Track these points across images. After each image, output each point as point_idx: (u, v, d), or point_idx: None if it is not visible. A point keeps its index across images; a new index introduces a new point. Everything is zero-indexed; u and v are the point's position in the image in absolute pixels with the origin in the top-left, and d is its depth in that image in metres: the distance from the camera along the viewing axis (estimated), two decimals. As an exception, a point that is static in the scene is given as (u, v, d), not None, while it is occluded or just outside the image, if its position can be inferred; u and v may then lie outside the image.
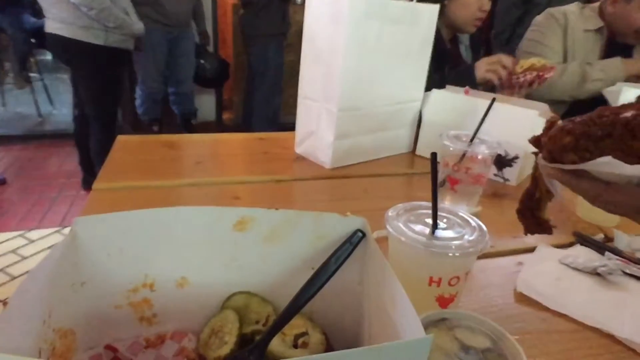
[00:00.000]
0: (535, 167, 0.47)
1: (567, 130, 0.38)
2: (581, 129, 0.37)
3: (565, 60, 1.48)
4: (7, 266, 1.93)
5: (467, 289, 0.58)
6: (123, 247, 0.37)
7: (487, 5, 1.28)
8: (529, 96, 1.47)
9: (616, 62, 1.39)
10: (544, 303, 0.56)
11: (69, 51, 2.08)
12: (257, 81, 3.05)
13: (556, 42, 1.47)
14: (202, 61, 3.14)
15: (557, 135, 0.39)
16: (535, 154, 0.45)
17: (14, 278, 1.86)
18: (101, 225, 0.35)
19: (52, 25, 2.02)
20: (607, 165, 0.34)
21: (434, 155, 0.45)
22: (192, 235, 0.38)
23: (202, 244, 0.39)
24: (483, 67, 1.21)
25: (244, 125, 3.30)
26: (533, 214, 0.49)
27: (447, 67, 1.35)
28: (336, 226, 0.39)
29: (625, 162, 0.34)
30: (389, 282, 0.33)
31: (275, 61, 3.00)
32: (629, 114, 0.35)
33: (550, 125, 0.43)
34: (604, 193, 0.37)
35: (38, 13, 3.50)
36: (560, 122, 0.42)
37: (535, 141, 0.45)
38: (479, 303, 0.56)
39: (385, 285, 0.34)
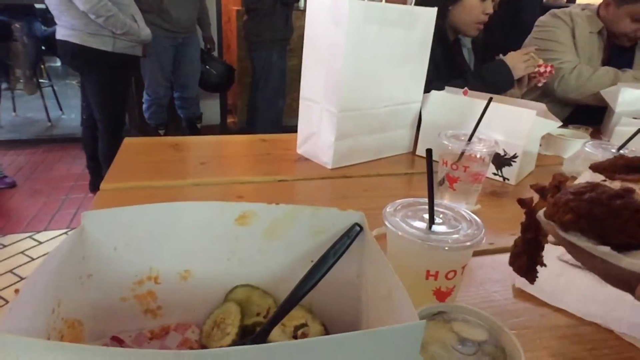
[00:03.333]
0: (533, 215, 0.46)
1: (571, 207, 0.37)
2: (586, 208, 0.36)
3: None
4: (17, 267, 1.97)
5: (465, 284, 0.59)
6: (129, 241, 0.38)
7: (490, 9, 1.29)
8: (549, 93, 1.47)
9: None
10: (543, 299, 0.57)
11: (78, 57, 2.13)
12: (260, 85, 3.09)
13: (568, 40, 1.46)
14: (207, 66, 3.17)
15: (560, 208, 0.38)
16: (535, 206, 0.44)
17: (22, 279, 1.89)
18: (108, 219, 0.37)
19: (63, 32, 2.07)
20: (606, 255, 0.34)
21: (429, 151, 0.47)
22: (196, 230, 0.40)
23: (205, 238, 0.40)
24: (521, 62, 1.23)
25: (248, 128, 3.33)
26: (530, 257, 0.48)
27: (457, 68, 1.37)
28: (334, 220, 0.40)
29: (628, 245, 0.34)
30: (385, 274, 0.34)
31: (279, 66, 3.04)
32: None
33: (557, 183, 0.42)
34: (596, 267, 0.37)
35: (48, 21, 3.57)
36: (568, 184, 0.41)
37: (539, 190, 0.45)
38: (477, 298, 0.57)
39: (382, 277, 0.35)
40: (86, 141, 2.53)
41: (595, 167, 0.44)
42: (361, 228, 0.40)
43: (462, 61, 1.45)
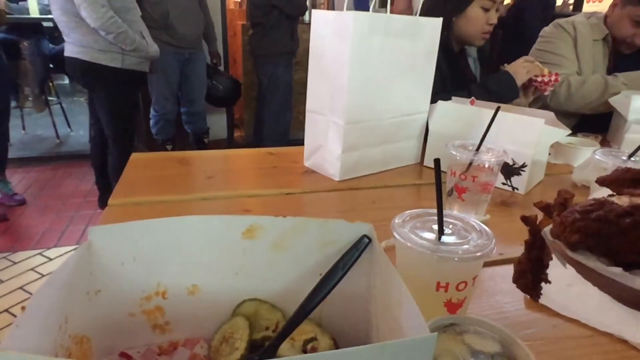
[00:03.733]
0: (537, 233, 0.46)
1: (578, 227, 0.36)
2: (594, 228, 0.35)
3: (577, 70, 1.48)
4: (27, 284, 1.97)
5: (476, 295, 0.58)
6: (136, 256, 0.38)
7: (494, 19, 1.29)
8: (545, 107, 1.47)
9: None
10: (555, 309, 0.56)
11: (88, 74, 2.16)
12: (267, 99, 3.11)
13: (570, 52, 1.47)
14: (214, 82, 3.21)
15: (567, 228, 0.37)
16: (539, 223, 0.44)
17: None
18: (115, 234, 0.37)
19: (72, 49, 2.11)
20: (617, 276, 0.33)
21: (437, 161, 0.46)
22: (203, 244, 0.40)
23: (212, 252, 0.40)
24: (521, 68, 1.23)
25: (255, 142, 3.35)
26: (534, 275, 0.47)
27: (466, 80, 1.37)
28: (343, 232, 0.40)
29: (638, 263, 0.33)
30: (395, 286, 0.34)
31: (285, 79, 3.06)
32: None
33: (563, 200, 0.41)
34: (607, 286, 0.36)
35: (55, 39, 3.64)
36: (574, 201, 0.40)
37: (544, 208, 0.44)
38: (489, 310, 0.56)
39: (391, 289, 0.35)
40: (95, 157, 2.56)
41: (602, 181, 0.44)
42: (370, 240, 0.40)
43: (468, 72, 1.46)
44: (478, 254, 0.43)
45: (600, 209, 0.36)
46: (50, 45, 3.67)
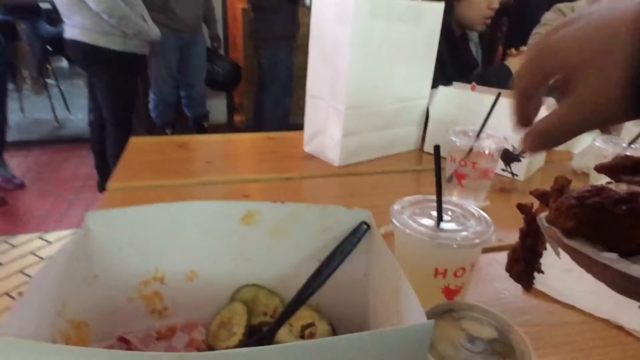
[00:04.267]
0: (533, 221, 0.45)
1: (574, 213, 0.35)
2: (590, 214, 0.34)
3: None
4: (26, 267, 1.99)
5: (474, 281, 0.58)
6: (134, 241, 0.38)
7: (496, 4, 1.28)
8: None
9: None
10: (553, 295, 0.56)
11: (88, 57, 2.14)
12: (267, 83, 3.07)
13: None
14: (214, 65, 3.17)
15: (563, 214, 0.36)
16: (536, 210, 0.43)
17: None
18: (113, 219, 0.37)
19: (72, 32, 2.08)
20: (612, 262, 0.32)
21: (437, 147, 0.46)
22: (201, 229, 0.39)
23: (210, 237, 0.40)
24: (518, 63, 1.23)
25: (255, 127, 3.32)
26: (528, 264, 0.47)
27: (471, 69, 1.37)
28: (341, 219, 0.40)
29: (634, 251, 0.32)
30: (393, 273, 0.34)
31: (286, 63, 3.02)
32: None
33: (559, 187, 0.40)
34: (601, 273, 0.36)
35: (54, 21, 3.59)
36: (571, 189, 0.40)
37: (540, 196, 0.43)
38: (486, 296, 0.56)
39: (389, 276, 0.35)
40: (95, 141, 2.55)
41: (600, 168, 0.43)
42: (368, 226, 0.40)
43: (469, 56, 1.44)
44: (476, 240, 0.43)
45: (597, 195, 0.36)
46: (48, 26, 3.62)
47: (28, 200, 2.58)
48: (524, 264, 0.46)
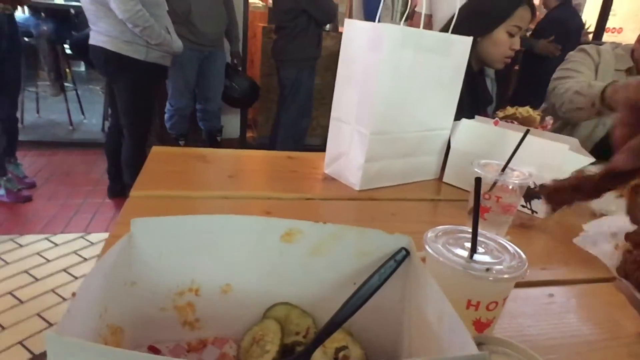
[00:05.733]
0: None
1: None
2: None
3: None
4: (31, 268, 1.98)
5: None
6: (173, 251, 0.38)
7: (517, 45, 1.30)
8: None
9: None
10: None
11: (111, 63, 2.18)
12: (287, 103, 3.08)
13: (589, 73, 1.46)
14: (232, 82, 3.20)
15: None
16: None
17: (37, 280, 1.90)
18: (156, 227, 0.37)
19: (97, 38, 2.13)
20: None
21: (478, 180, 0.46)
22: (240, 244, 0.39)
23: (248, 252, 0.40)
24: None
25: (270, 144, 3.34)
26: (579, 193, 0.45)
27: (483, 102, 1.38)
28: (380, 243, 0.40)
29: None
30: (435, 299, 0.34)
31: (308, 85, 3.04)
32: None
33: (629, 256, 0.39)
34: None
35: (77, 25, 3.67)
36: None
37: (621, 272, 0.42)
38: (510, 331, 0.56)
39: (430, 303, 0.34)
40: (110, 147, 2.57)
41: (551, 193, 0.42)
42: (408, 252, 0.40)
43: (485, 92, 1.46)
44: (513, 274, 0.43)
45: None
46: (72, 31, 3.70)
47: (37, 201, 2.59)
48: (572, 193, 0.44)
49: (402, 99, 0.93)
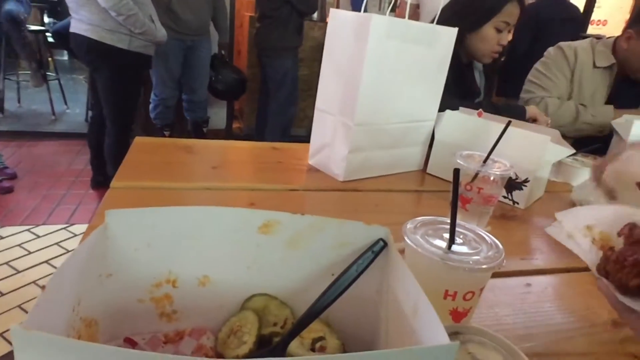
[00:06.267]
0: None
1: (639, 271, 0.34)
2: None
3: (570, 96, 1.52)
4: (13, 260, 1.95)
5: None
6: (150, 242, 0.38)
7: (506, 41, 1.31)
8: None
9: (608, 109, 1.44)
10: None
11: (93, 52, 2.13)
12: (272, 92, 3.09)
13: (561, 78, 1.52)
14: (219, 74, 3.15)
15: (626, 269, 0.35)
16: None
17: (18, 272, 1.87)
18: (132, 218, 0.36)
19: (79, 26, 2.07)
20: None
21: (456, 171, 0.46)
22: (218, 235, 0.39)
23: (226, 244, 0.40)
24: (536, 112, 1.32)
25: (257, 135, 3.32)
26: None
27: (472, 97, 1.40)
28: (359, 234, 0.40)
29: None
30: (411, 291, 0.34)
31: (292, 74, 3.05)
32: None
33: (610, 255, 0.38)
34: None
35: (58, 14, 3.58)
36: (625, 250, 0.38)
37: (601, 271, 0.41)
38: (487, 321, 0.57)
39: (406, 294, 0.35)
40: (92, 137, 2.52)
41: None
42: (385, 244, 0.40)
43: (474, 84, 1.47)
44: (488, 265, 0.43)
45: None
46: (53, 19, 3.61)
47: (19, 192, 2.54)
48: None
49: (387, 89, 0.92)
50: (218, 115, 3.78)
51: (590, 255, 0.41)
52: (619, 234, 0.40)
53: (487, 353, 0.40)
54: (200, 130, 3.31)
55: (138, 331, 0.40)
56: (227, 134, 3.86)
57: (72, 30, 2.11)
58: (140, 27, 2.08)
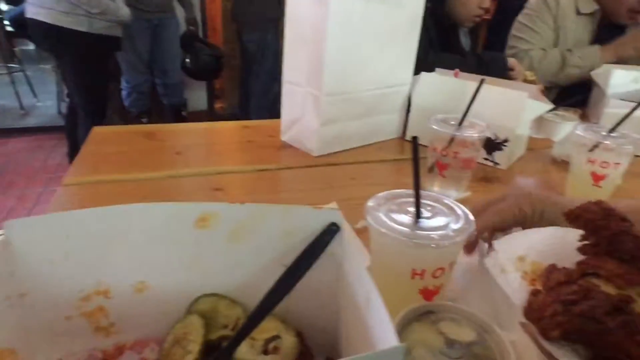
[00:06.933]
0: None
1: (559, 322, 0.32)
2: (577, 324, 0.31)
3: (555, 44, 1.50)
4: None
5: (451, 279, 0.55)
6: (69, 252, 0.33)
7: (486, 3, 1.30)
8: None
9: (594, 49, 1.41)
10: None
11: (50, 38, 1.99)
12: (254, 69, 2.94)
13: (545, 29, 1.48)
14: (191, 53, 3.01)
15: (545, 319, 0.33)
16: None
17: None
18: (39, 228, 0.32)
19: (32, 10, 1.93)
20: None
21: (415, 139, 0.42)
22: (149, 235, 0.35)
23: (161, 244, 0.35)
24: (517, 66, 1.31)
25: (241, 114, 3.19)
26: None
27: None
28: (308, 219, 0.36)
29: None
30: (363, 282, 0.30)
31: (274, 47, 2.89)
32: None
33: (533, 301, 0.36)
34: None
35: (15, 0, 3.35)
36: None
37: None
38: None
39: (360, 285, 0.31)
40: (69, 129, 2.41)
41: (573, 219, 0.38)
42: (338, 228, 0.35)
43: (457, 44, 1.42)
44: (457, 239, 0.40)
45: (585, 299, 0.32)
46: (8, 5, 3.38)
47: (-7, 194, 2.47)
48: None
49: (356, 55, 0.86)
50: (198, 96, 3.66)
51: (519, 293, 0.38)
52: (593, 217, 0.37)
53: (460, 331, 0.37)
54: (179, 114, 3.20)
55: (73, 350, 0.36)
56: (209, 115, 3.74)
57: (27, 15, 1.97)
58: (97, 6, 1.94)
